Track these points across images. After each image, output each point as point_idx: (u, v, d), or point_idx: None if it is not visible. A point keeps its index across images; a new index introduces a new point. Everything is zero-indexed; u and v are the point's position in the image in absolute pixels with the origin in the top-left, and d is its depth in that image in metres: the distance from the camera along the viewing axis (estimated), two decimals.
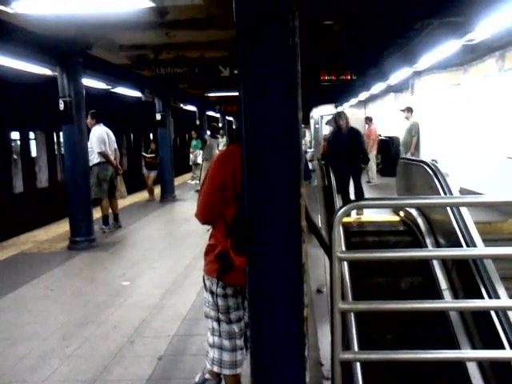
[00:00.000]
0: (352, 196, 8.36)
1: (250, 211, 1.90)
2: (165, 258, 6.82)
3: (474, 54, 8.95)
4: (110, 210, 8.61)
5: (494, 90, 8.86)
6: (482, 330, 3.71)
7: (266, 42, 1.77)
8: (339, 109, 21.70)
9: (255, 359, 1.98)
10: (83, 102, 7.40)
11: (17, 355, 3.88)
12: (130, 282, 5.70)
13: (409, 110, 11.11)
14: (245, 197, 1.92)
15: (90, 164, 8.06)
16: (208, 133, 16.05)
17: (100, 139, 8.24)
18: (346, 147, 8.34)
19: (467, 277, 3.95)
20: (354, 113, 20.13)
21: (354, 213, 7.64)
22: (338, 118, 8.68)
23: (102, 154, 8.23)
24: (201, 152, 15.15)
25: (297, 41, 1.75)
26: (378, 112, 17.57)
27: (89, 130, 8.10)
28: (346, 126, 8.57)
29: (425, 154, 10.70)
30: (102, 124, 8.43)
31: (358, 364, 3.16)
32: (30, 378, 3.54)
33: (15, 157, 14.30)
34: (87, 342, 4.10)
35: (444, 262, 4.98)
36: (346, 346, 2.95)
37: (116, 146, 8.72)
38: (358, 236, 7.31)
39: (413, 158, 9.00)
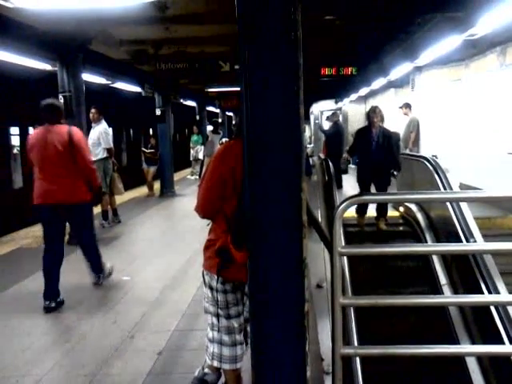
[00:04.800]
0: (373, 211, 7.02)
1: (251, 206, 1.90)
2: (164, 252, 6.82)
3: (475, 49, 8.93)
4: (109, 206, 8.62)
5: (495, 85, 8.85)
6: (481, 325, 3.71)
7: (268, 36, 1.76)
8: (339, 104, 21.70)
9: (256, 354, 1.98)
10: (83, 97, 7.39)
11: (17, 349, 3.89)
12: (130, 277, 5.71)
13: (407, 105, 11.10)
14: (246, 191, 1.92)
15: (95, 158, 8.08)
16: (209, 128, 16.03)
17: (109, 135, 8.33)
18: (376, 150, 6.82)
19: (467, 272, 3.96)
20: (354, 108, 20.15)
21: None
22: (371, 114, 6.97)
23: (109, 150, 8.29)
24: (202, 147, 15.14)
25: (299, 35, 1.75)
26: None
27: (88, 125, 8.10)
28: (379, 124, 6.93)
29: (425, 150, 10.70)
30: (103, 119, 8.44)
31: (358, 359, 3.18)
32: (31, 371, 3.55)
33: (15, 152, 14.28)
34: (87, 337, 4.11)
35: (444, 257, 4.99)
36: (346, 341, 2.96)
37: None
38: (357, 231, 7.34)
39: (413, 153, 8.99)
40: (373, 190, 7.05)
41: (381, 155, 6.79)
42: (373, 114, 6.93)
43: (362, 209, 7.00)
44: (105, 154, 8.25)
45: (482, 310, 3.53)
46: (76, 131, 4.86)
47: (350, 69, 10.24)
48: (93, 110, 8.14)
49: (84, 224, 5.10)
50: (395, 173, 6.97)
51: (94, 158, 7.96)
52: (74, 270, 6.11)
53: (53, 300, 4.70)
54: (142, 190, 13.05)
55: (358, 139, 7.31)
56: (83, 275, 5.85)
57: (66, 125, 4.88)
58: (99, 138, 8.17)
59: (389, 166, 6.89)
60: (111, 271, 5.48)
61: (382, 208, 6.95)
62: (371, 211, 7.13)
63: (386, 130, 7.02)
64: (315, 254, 4.71)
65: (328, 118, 14.32)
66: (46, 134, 4.74)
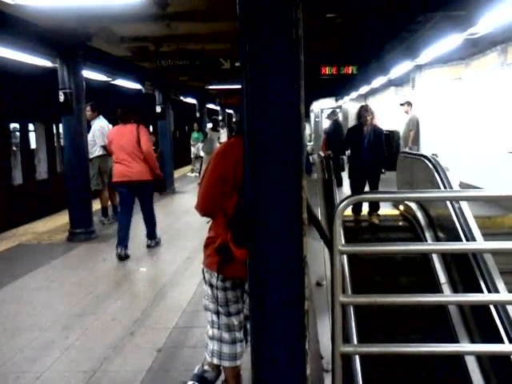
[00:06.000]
0: (365, 206, 7.42)
1: (251, 204, 1.90)
2: (164, 249, 6.82)
3: (475, 48, 8.92)
4: (109, 202, 8.61)
5: (496, 84, 8.84)
6: (480, 324, 3.72)
7: (270, 34, 1.76)
8: (339, 102, 21.69)
9: (256, 351, 1.98)
10: (83, 93, 7.38)
11: (17, 346, 3.89)
12: (130, 274, 5.71)
13: (408, 104, 11.10)
14: (246, 189, 1.92)
15: (91, 156, 8.05)
16: (209, 126, 16.02)
17: (104, 132, 8.24)
18: (368, 148, 7.10)
19: (466, 271, 3.96)
20: (354, 106, 20.14)
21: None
22: (363, 112, 7.22)
23: (105, 147, 8.22)
24: (201, 145, 15.13)
25: (300, 33, 1.75)
26: (378, 106, 17.54)
27: (88, 122, 8.07)
28: (371, 122, 7.21)
29: (425, 148, 10.70)
30: (101, 116, 8.41)
31: (358, 357, 3.18)
32: (30, 368, 3.55)
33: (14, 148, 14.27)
34: (87, 333, 4.11)
35: (443, 256, 4.99)
36: (346, 339, 2.96)
37: None
38: (356, 230, 7.37)
39: (413, 152, 8.98)
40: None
41: (372, 152, 7.09)
42: (365, 113, 7.16)
43: (357, 207, 7.31)
44: (100, 152, 8.21)
45: (482, 309, 3.53)
46: (142, 128, 6.40)
47: (350, 67, 10.21)
48: (87, 108, 7.94)
49: (147, 198, 6.62)
50: (383, 170, 7.36)
51: (90, 156, 7.95)
52: (73, 267, 6.12)
53: (151, 239, 6.77)
54: None
55: (349, 137, 7.57)
56: (85, 270, 5.87)
57: (135, 123, 6.35)
58: (94, 135, 8.12)
59: (379, 162, 7.25)
60: (159, 241, 6.91)
61: (374, 203, 7.21)
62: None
63: (378, 128, 7.29)
64: (315, 251, 4.71)
65: (328, 117, 14.34)
66: (121, 131, 6.35)
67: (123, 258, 6.20)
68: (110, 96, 12.68)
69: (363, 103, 7.80)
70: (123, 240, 6.28)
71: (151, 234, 6.84)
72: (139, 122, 6.46)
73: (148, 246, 6.76)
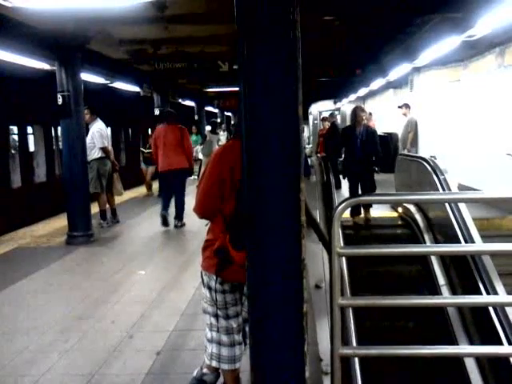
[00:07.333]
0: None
1: (249, 206, 1.90)
2: (163, 252, 6.81)
3: (473, 50, 8.93)
4: (108, 205, 8.59)
5: (494, 86, 8.85)
6: (480, 326, 3.72)
7: (267, 37, 1.76)
8: (338, 105, 21.74)
9: (255, 354, 1.98)
10: (81, 96, 7.36)
11: (15, 349, 3.88)
12: (128, 277, 5.70)
13: (406, 106, 11.13)
14: (244, 192, 1.92)
15: (90, 159, 8.04)
16: (208, 128, 16.04)
17: (103, 135, 8.24)
18: (360, 147, 7.36)
19: (465, 273, 3.96)
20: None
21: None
22: (358, 112, 7.50)
23: (104, 150, 8.22)
24: (200, 147, 15.15)
25: (298, 35, 1.75)
26: (376, 108, 17.56)
27: (86, 125, 8.05)
28: (364, 122, 7.54)
29: (424, 150, 10.70)
30: (99, 119, 8.39)
31: (357, 359, 3.18)
32: (29, 371, 3.54)
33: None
34: (86, 337, 4.10)
35: (442, 257, 4.99)
36: (345, 341, 2.96)
37: (110, 142, 8.69)
38: (355, 232, 7.37)
39: (411, 154, 8.99)
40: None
41: (365, 152, 7.36)
42: (361, 113, 7.51)
43: (355, 209, 7.37)
44: (99, 154, 8.20)
45: (481, 310, 3.53)
46: (183, 128, 8.09)
47: (349, 69, 10.24)
48: (85, 111, 7.88)
49: (182, 183, 8.06)
50: (376, 168, 7.77)
51: (89, 159, 7.93)
52: (72, 270, 6.11)
53: (179, 220, 8.03)
54: (141, 190, 13.04)
55: (343, 138, 7.91)
56: (84, 274, 5.86)
57: (177, 124, 7.97)
58: (92, 138, 8.11)
59: (372, 162, 7.55)
60: (184, 224, 8.06)
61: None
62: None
63: (370, 128, 7.63)
64: (314, 254, 4.70)
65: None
66: (166, 129, 7.90)
67: (167, 224, 7.93)
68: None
69: (358, 105, 8.03)
70: (177, 214, 8.00)
71: (180, 215, 8.05)
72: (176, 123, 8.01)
73: (175, 226, 7.98)
